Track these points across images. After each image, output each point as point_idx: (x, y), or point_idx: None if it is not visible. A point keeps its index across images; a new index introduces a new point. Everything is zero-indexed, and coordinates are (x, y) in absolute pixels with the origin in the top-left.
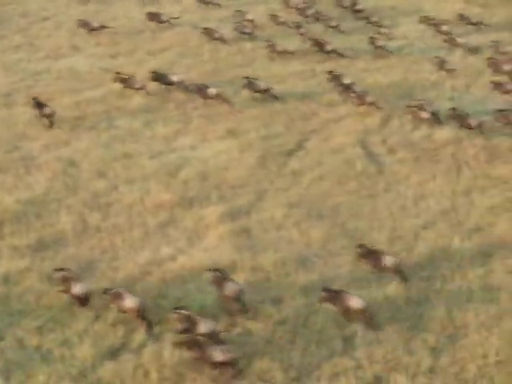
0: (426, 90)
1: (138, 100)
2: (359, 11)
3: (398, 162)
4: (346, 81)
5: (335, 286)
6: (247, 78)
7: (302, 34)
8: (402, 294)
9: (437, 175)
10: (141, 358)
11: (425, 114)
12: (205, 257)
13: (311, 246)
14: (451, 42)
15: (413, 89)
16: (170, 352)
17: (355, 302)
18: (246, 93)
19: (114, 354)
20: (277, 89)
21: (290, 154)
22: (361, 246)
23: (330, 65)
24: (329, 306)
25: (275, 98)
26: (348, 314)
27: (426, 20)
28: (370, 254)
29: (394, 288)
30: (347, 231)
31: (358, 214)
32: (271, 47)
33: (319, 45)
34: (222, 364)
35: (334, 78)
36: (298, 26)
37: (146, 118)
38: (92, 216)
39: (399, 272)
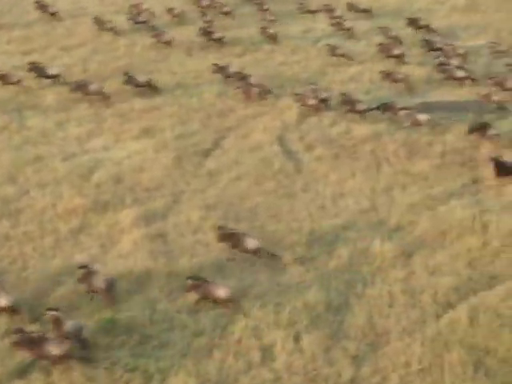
0: (345, 84)
1: (50, 98)
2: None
3: (317, 160)
4: (233, 70)
5: (254, 292)
6: (127, 73)
7: (206, 22)
8: (321, 300)
9: (356, 173)
10: (51, 375)
11: (312, 101)
12: (119, 264)
13: (229, 250)
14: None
15: (331, 82)
16: (80, 368)
17: (221, 292)
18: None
19: (22, 372)
20: (192, 84)
21: (206, 153)
22: (220, 227)
23: (247, 58)
24: (193, 295)
25: (156, 90)
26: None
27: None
28: (230, 236)
29: (313, 294)
30: (266, 234)
31: (277, 215)
32: (157, 36)
33: (208, 33)
34: (61, 357)
35: (220, 69)
36: (201, 17)
37: (58, 118)
38: (1, 224)
39: (264, 253)
